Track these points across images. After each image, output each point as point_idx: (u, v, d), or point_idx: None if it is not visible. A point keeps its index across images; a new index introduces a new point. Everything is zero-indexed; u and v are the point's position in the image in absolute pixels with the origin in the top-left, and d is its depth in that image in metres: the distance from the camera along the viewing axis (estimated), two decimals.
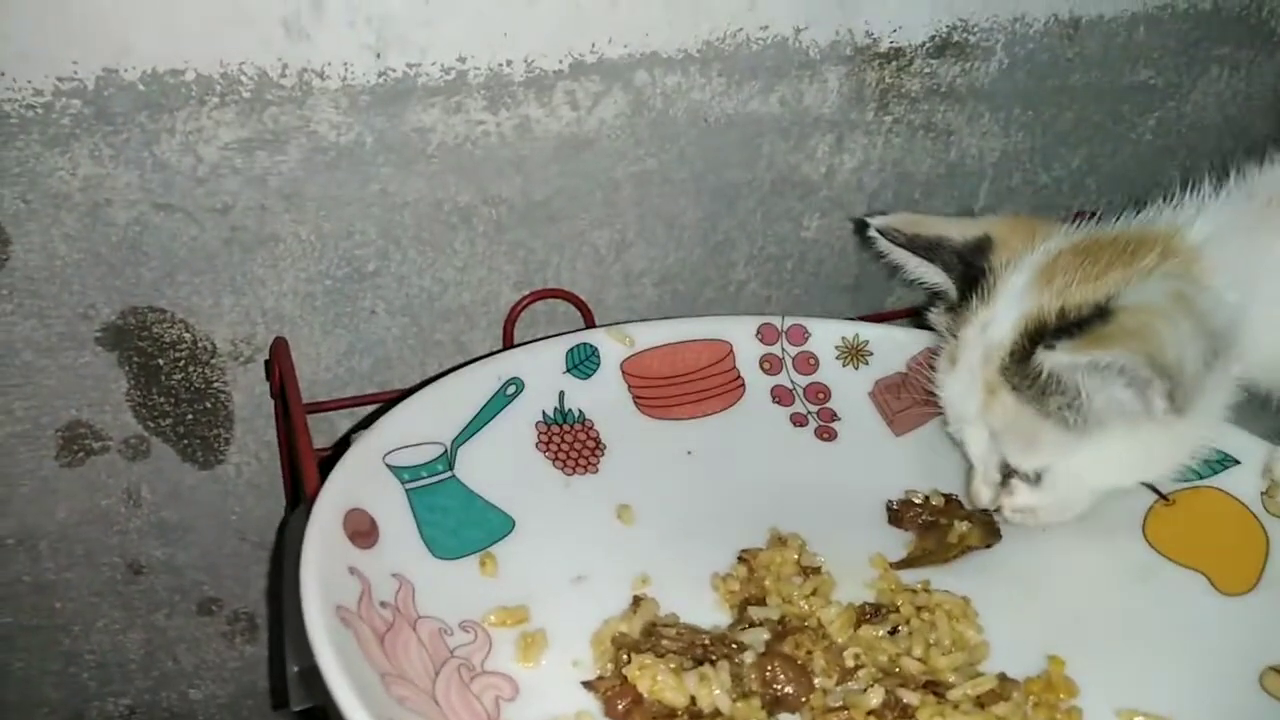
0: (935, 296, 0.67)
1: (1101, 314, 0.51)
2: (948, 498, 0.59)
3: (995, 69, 0.87)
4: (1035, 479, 0.57)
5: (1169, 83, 0.93)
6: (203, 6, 0.63)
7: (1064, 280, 0.55)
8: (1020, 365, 0.54)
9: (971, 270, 0.61)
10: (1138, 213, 0.60)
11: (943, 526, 0.57)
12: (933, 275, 0.65)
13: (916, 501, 0.59)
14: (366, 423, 0.72)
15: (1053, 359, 0.51)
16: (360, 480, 0.49)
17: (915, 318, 0.86)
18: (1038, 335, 0.53)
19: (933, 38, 0.83)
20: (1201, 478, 0.58)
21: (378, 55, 0.69)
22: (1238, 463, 0.58)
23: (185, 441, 0.75)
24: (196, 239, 0.69)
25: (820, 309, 0.90)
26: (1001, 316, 0.57)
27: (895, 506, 0.60)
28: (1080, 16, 0.87)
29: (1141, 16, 0.89)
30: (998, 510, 0.59)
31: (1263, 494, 0.57)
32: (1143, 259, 0.54)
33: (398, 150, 0.71)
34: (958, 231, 0.63)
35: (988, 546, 0.57)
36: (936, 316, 0.64)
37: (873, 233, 0.66)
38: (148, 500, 0.76)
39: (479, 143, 0.73)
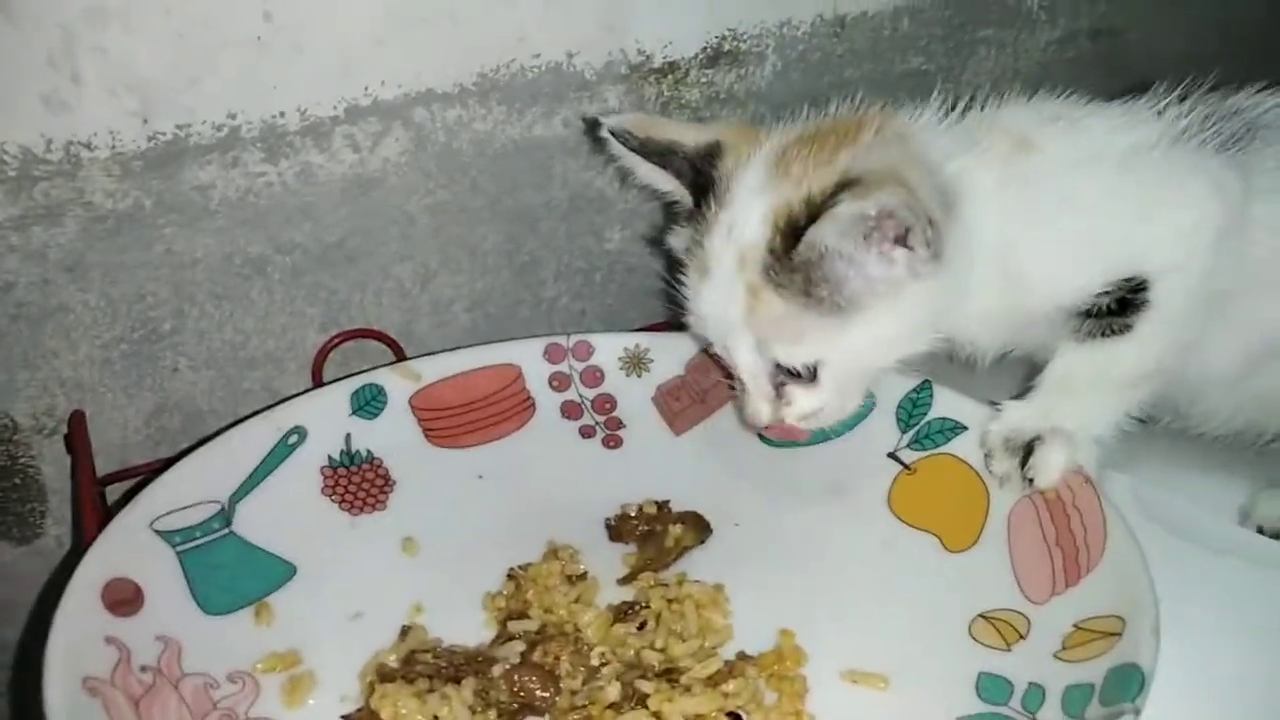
0: (668, 220, 0.67)
1: (845, 185, 0.52)
2: (659, 505, 0.63)
3: (770, 72, 0.91)
4: (811, 376, 0.58)
5: (940, 67, 0.99)
6: None
7: (800, 170, 0.56)
8: (781, 260, 0.54)
9: (702, 177, 0.61)
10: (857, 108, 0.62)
11: (659, 533, 0.60)
12: (664, 182, 0.64)
13: (632, 514, 0.62)
14: None
15: (818, 232, 0.52)
16: (124, 550, 0.51)
17: None
18: (791, 226, 0.54)
19: (704, 49, 0.87)
20: (938, 446, 0.64)
21: (144, 120, 0.70)
22: (965, 428, 0.64)
23: None
24: None
25: (636, 316, 0.93)
26: (745, 217, 0.57)
27: (613, 522, 0.63)
28: (845, 14, 0.92)
29: (904, 9, 0.95)
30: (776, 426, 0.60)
31: (984, 456, 0.62)
32: (865, 134, 0.57)
33: (179, 209, 0.73)
34: (690, 137, 0.62)
35: (702, 543, 0.61)
36: (675, 237, 0.64)
37: (605, 133, 0.65)
38: None
39: (262, 193, 0.75)
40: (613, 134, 0.64)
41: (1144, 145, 0.58)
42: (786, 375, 0.59)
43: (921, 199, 0.52)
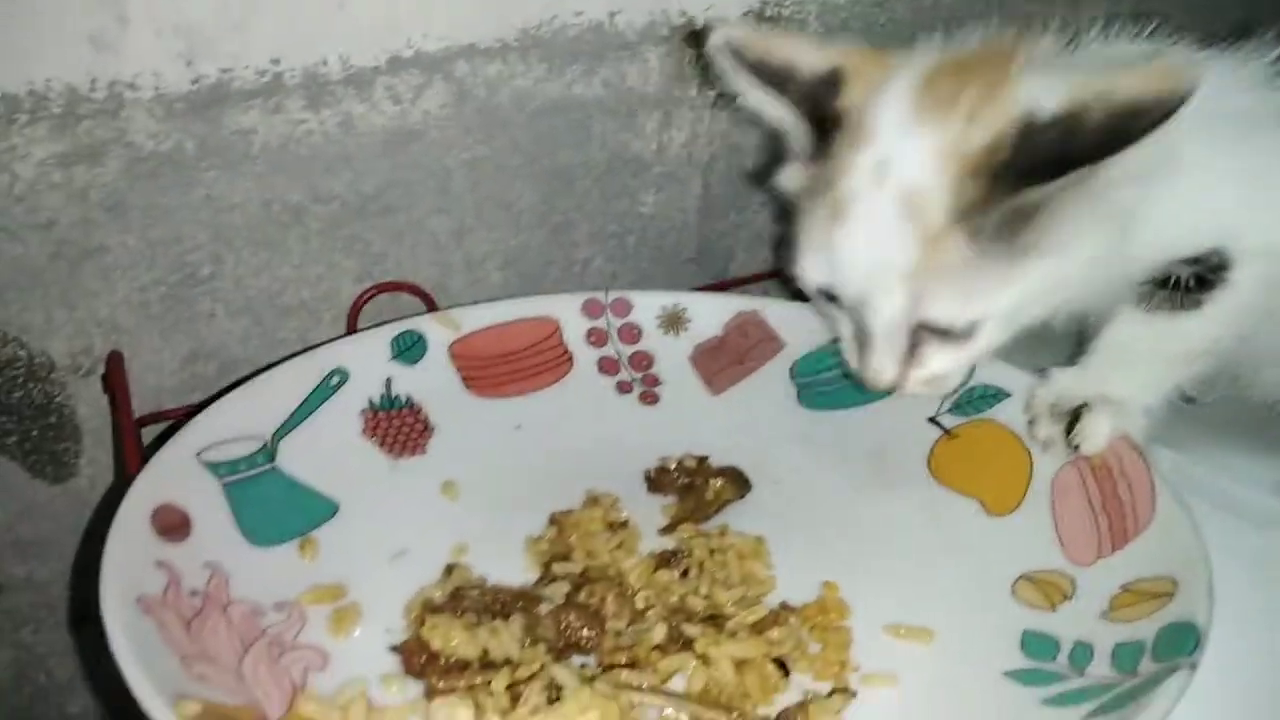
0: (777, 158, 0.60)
1: (1071, 118, 0.46)
2: (699, 459, 0.63)
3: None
4: (967, 333, 0.53)
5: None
6: (3, 27, 0.64)
7: (967, 104, 0.49)
8: (978, 206, 0.48)
9: (822, 108, 0.54)
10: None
11: (698, 486, 0.60)
12: (777, 111, 0.56)
13: (671, 467, 0.62)
14: None
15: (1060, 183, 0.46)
16: (172, 478, 0.51)
17: (761, 281, 0.90)
18: (992, 169, 0.48)
19: (746, 13, 0.87)
20: (980, 412, 0.64)
21: (189, 63, 0.70)
22: (1009, 395, 0.63)
23: (33, 458, 0.76)
24: (21, 256, 0.70)
25: (666, 280, 0.93)
26: (904, 155, 0.50)
27: (652, 474, 0.62)
28: None
29: None
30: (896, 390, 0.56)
31: (1028, 422, 0.62)
32: (1015, 65, 0.50)
33: (220, 154, 0.72)
34: (807, 60, 0.54)
35: (740, 498, 0.61)
36: (787, 176, 0.58)
37: (717, 45, 0.56)
38: (0, 519, 0.76)
39: (303, 141, 0.75)
40: (729, 48, 0.55)
41: (1261, 109, 0.54)
42: (932, 333, 0.53)
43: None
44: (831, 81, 0.54)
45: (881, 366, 0.55)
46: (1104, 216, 0.50)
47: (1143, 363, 0.59)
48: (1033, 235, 0.49)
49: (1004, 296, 0.51)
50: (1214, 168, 0.53)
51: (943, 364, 0.54)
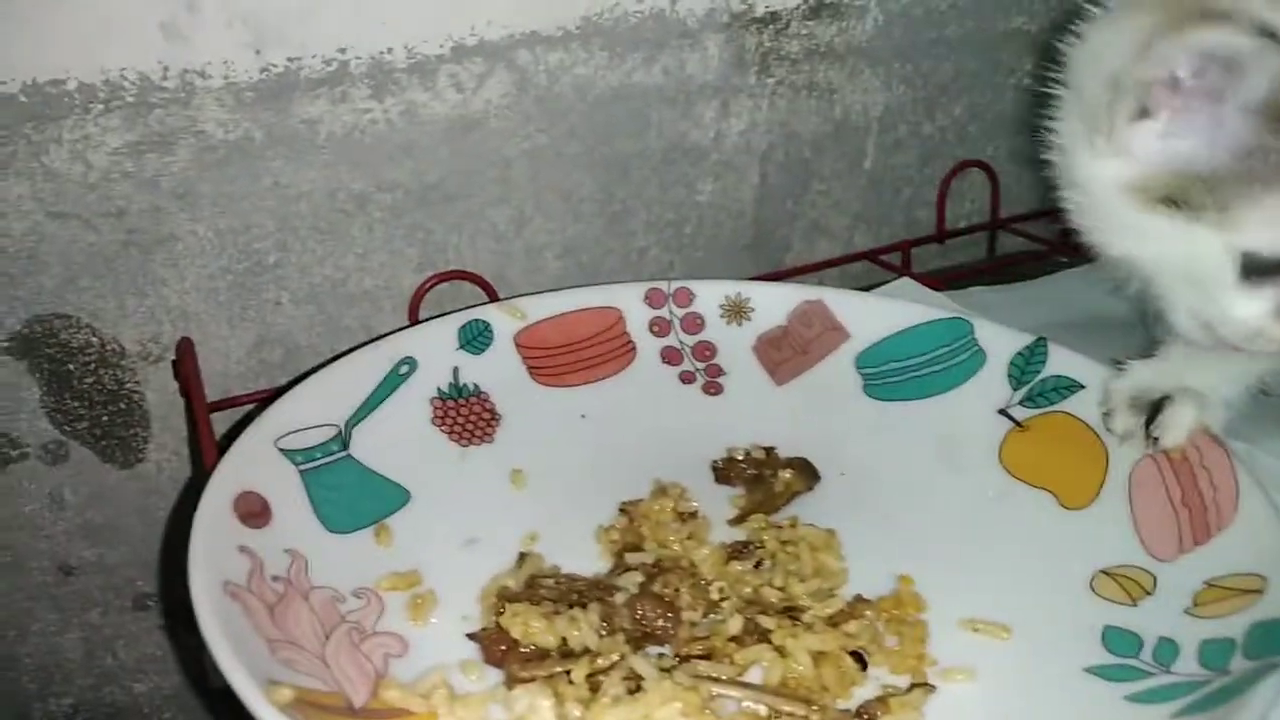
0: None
1: None
2: (767, 450, 0.62)
3: (871, 26, 0.90)
4: None
5: (1042, 28, 0.97)
6: (77, 16, 0.65)
7: None
8: None
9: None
10: None
11: (767, 478, 0.60)
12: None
13: (739, 458, 0.61)
14: None
15: None
16: (252, 465, 0.52)
17: (820, 270, 0.90)
18: None
19: (806, 0, 0.86)
20: (1052, 404, 0.63)
21: (257, 52, 0.70)
22: (1083, 387, 0.62)
23: (103, 443, 0.77)
24: (94, 244, 0.71)
25: (722, 270, 0.93)
26: None
27: (720, 465, 0.62)
28: None
29: None
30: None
31: (1103, 414, 0.61)
32: None
33: (287, 143, 0.73)
34: None
35: (809, 489, 0.60)
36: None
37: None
38: (71, 503, 0.77)
39: (367, 130, 0.75)
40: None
41: None
42: None
43: None
44: None
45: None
46: None
47: (1224, 355, 0.57)
48: None
49: None
50: None
51: None
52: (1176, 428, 0.57)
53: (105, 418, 0.76)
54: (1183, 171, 0.48)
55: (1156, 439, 0.57)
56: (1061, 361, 0.64)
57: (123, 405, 0.76)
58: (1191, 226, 0.48)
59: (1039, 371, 0.64)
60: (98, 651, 0.84)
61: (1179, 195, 0.48)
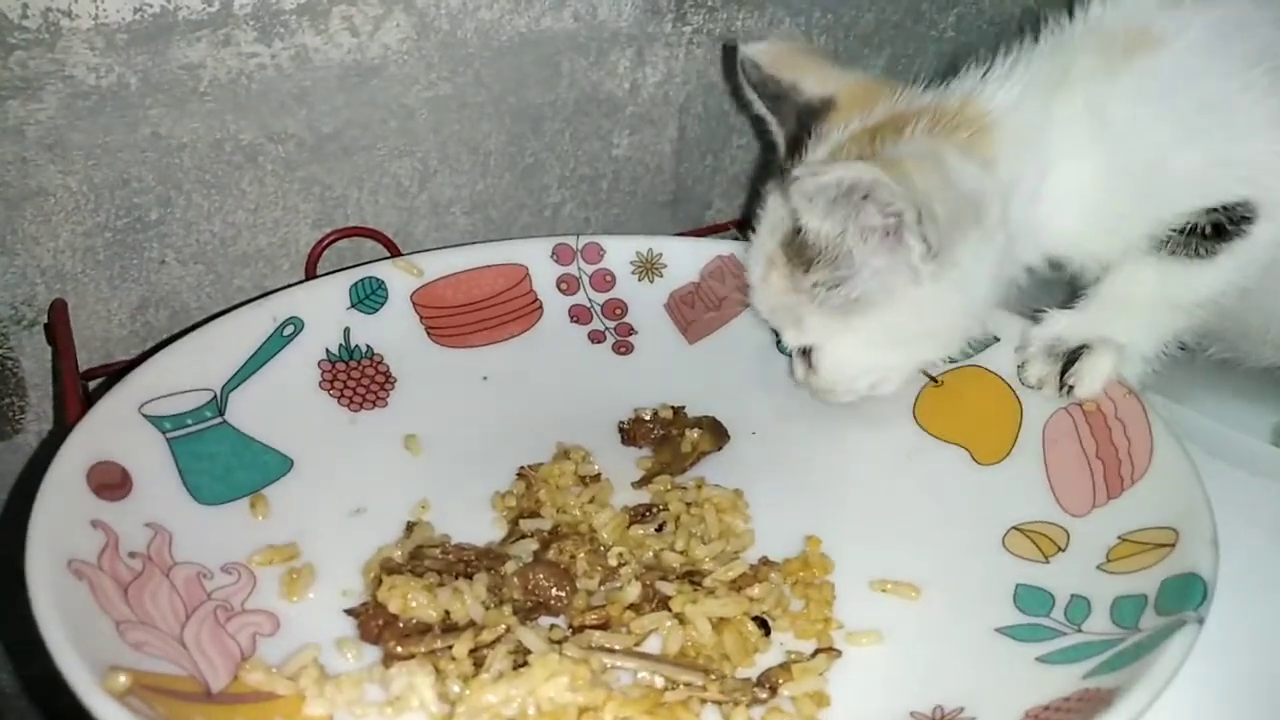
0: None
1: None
2: (675, 410, 0.60)
3: None
4: (807, 358, 0.58)
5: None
6: None
7: (847, 155, 0.53)
8: (794, 235, 0.53)
9: (802, 132, 0.57)
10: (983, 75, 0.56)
11: (674, 438, 0.57)
12: (772, 126, 0.61)
13: (646, 418, 0.59)
14: None
15: (801, 185, 0.48)
16: (111, 433, 0.48)
17: (737, 229, 0.87)
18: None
19: None
20: (967, 357, 0.61)
21: None
22: (997, 339, 0.61)
23: None
24: None
25: (640, 227, 0.90)
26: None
27: (626, 426, 0.60)
28: None
29: None
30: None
31: (1019, 364, 0.59)
32: (914, 126, 0.52)
33: (166, 89, 0.68)
34: (814, 85, 0.59)
35: (718, 449, 0.58)
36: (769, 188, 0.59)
37: (741, 59, 0.62)
38: None
39: (255, 76, 0.70)
40: (741, 64, 0.61)
41: None
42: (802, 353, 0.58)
43: (918, 190, 0.47)
44: (821, 110, 0.57)
45: (793, 366, 0.61)
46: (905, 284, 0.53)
47: (1146, 309, 0.56)
48: (829, 282, 0.53)
49: (829, 336, 0.56)
50: (1241, 111, 0.51)
51: (808, 378, 0.59)
52: (1092, 376, 0.55)
53: None
54: None
55: (1071, 388, 0.56)
56: None
57: None
58: None
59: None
60: None
61: None
